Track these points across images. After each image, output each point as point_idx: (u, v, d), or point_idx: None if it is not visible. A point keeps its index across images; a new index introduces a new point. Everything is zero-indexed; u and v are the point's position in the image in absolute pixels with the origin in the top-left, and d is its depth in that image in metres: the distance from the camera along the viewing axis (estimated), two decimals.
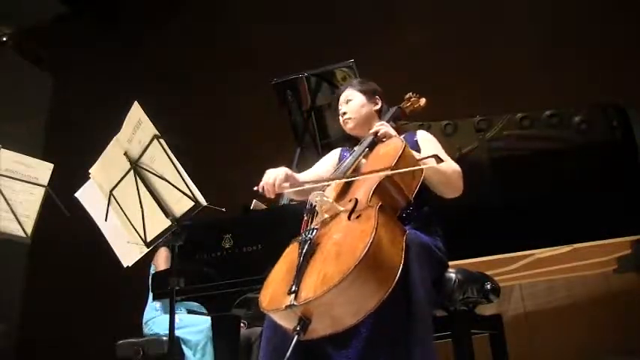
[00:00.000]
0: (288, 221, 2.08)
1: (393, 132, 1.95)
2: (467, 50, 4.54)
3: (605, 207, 2.63)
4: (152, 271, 3.51)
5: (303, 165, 2.82)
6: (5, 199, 2.45)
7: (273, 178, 1.89)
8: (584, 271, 3.30)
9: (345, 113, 2.18)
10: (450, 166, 1.97)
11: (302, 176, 2.16)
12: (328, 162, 2.27)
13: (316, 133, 3.17)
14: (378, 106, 2.19)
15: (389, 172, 1.70)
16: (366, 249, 1.40)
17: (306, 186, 1.94)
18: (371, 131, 1.98)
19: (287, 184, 1.89)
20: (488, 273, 2.08)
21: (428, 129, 2.90)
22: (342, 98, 2.21)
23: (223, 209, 2.08)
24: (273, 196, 1.89)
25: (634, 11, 4.05)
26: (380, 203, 1.62)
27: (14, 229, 2.48)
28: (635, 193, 2.66)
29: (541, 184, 2.78)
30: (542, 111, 2.90)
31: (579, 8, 4.23)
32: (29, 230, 2.51)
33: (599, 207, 2.63)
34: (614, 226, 2.65)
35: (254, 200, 2.80)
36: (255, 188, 1.92)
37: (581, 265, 3.11)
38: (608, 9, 4.17)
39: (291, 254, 1.63)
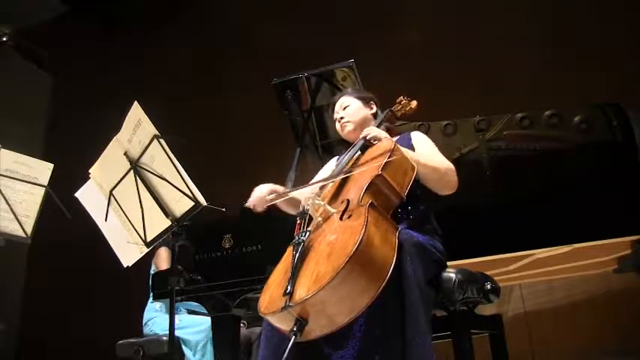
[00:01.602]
0: (288, 221, 2.08)
1: (381, 134, 1.99)
2: (467, 50, 4.54)
3: (605, 207, 2.62)
4: (152, 272, 3.50)
5: (303, 165, 2.82)
6: (5, 199, 2.45)
7: (259, 193, 2.05)
8: (584, 271, 3.29)
9: (342, 118, 2.25)
10: (444, 163, 2.01)
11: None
12: (326, 170, 2.32)
13: (316, 133, 3.17)
14: (373, 111, 2.27)
15: (355, 168, 1.76)
16: (356, 246, 1.42)
17: (290, 194, 2.07)
18: (361, 135, 2.03)
19: (271, 197, 2.03)
20: (488, 273, 2.08)
21: (428, 129, 2.91)
22: (338, 105, 2.29)
23: (223, 209, 2.09)
24: (260, 210, 2.04)
25: (634, 11, 4.05)
26: (370, 201, 1.64)
27: (14, 229, 2.48)
28: (635, 193, 2.65)
29: (541, 183, 2.78)
30: (542, 111, 2.90)
31: (579, 8, 4.23)
32: (29, 230, 2.52)
33: (599, 207, 2.62)
34: (614, 226, 2.64)
35: None
36: (246, 205, 2.06)
37: (581, 265, 3.11)
38: (608, 9, 4.17)
39: (287, 258, 1.65)
